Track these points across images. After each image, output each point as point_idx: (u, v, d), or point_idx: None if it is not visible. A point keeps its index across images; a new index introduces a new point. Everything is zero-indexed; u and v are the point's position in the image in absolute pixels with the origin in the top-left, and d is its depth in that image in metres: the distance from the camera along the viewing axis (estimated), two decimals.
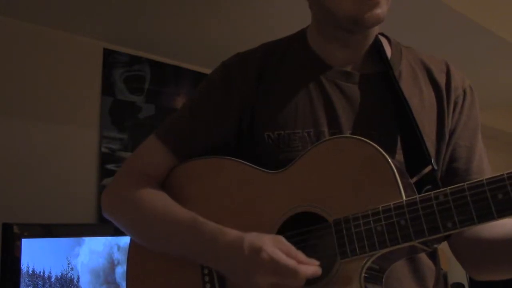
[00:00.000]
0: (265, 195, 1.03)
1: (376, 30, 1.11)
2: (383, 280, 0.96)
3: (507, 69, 3.29)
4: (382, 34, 1.16)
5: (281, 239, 0.93)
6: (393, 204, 0.89)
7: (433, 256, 1.11)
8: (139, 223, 1.10)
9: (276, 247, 0.91)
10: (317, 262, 0.92)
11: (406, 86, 1.08)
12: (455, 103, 1.11)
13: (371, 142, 0.94)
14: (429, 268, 1.08)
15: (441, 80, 1.12)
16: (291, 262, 0.89)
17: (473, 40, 2.73)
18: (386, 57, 1.10)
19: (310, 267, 0.90)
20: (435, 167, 0.99)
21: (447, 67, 1.13)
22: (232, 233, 0.96)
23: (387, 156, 0.92)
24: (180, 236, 1.03)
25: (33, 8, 2.18)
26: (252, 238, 0.93)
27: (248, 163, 1.06)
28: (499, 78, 3.47)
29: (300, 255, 0.92)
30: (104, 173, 2.51)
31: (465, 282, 3.52)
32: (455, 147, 1.10)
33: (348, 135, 1.03)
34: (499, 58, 3.05)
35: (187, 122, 1.14)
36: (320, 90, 1.08)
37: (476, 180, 0.85)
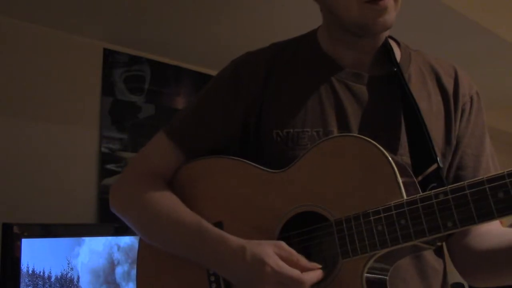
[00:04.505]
0: (268, 195, 1.03)
1: (385, 33, 1.10)
2: (387, 279, 0.96)
3: (507, 69, 3.28)
4: (391, 37, 1.16)
5: (282, 245, 0.94)
6: (394, 203, 0.89)
7: (440, 256, 1.11)
8: (145, 222, 1.11)
9: (278, 256, 0.91)
10: (319, 266, 0.93)
11: (415, 89, 1.08)
12: (463, 110, 1.11)
13: (372, 141, 0.94)
14: (435, 269, 1.09)
15: (449, 85, 1.12)
16: (295, 273, 0.90)
17: (473, 40, 2.73)
18: (395, 59, 1.10)
19: (314, 274, 0.91)
20: (441, 165, 0.99)
21: (455, 73, 1.13)
22: (234, 241, 0.97)
23: (387, 154, 0.92)
24: (183, 240, 1.04)
25: (33, 8, 2.17)
26: (254, 248, 0.94)
27: (251, 163, 1.06)
28: (499, 78, 3.46)
29: (302, 260, 0.92)
30: (104, 173, 2.51)
31: (465, 282, 3.52)
32: (462, 155, 1.10)
33: (348, 134, 1.03)
34: (499, 59, 3.05)
35: (196, 120, 1.14)
36: (330, 90, 1.08)
37: (476, 179, 0.85)
